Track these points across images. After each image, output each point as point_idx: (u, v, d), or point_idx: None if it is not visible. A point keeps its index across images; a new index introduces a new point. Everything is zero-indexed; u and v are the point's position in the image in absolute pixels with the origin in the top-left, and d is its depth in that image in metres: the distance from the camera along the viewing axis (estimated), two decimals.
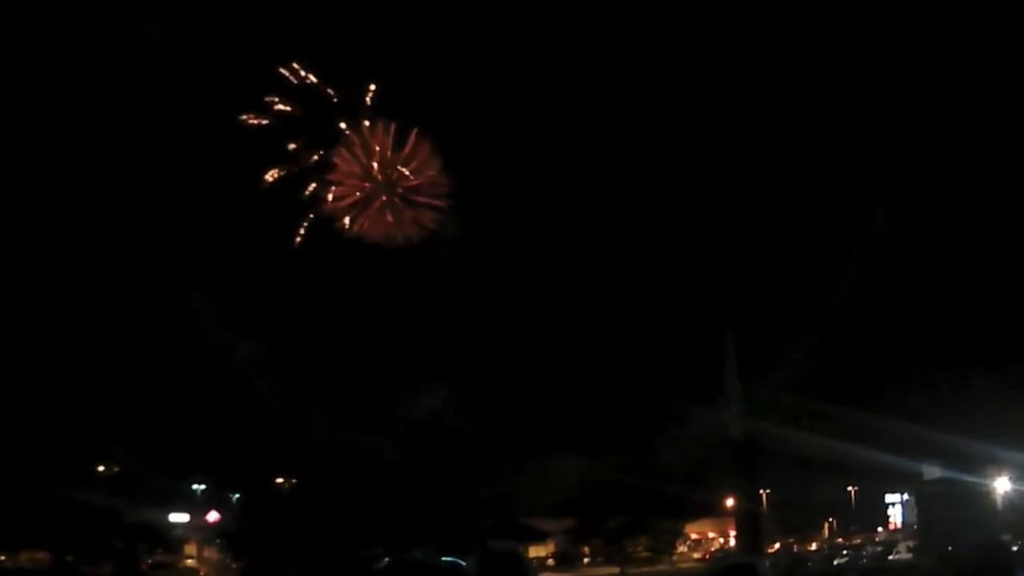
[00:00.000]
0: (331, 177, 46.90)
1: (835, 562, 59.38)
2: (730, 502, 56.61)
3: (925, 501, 63.09)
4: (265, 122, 42.80)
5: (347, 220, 46.76)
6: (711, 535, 71.10)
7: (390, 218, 47.96)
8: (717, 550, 65.10)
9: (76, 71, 40.97)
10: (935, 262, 47.80)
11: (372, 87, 45.12)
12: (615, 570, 58.93)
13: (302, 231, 44.32)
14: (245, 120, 42.38)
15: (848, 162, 43.95)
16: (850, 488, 71.81)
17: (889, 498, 73.67)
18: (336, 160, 47.33)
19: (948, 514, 55.02)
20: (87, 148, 42.43)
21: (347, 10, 41.94)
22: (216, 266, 44.30)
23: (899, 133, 40.07)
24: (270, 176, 42.92)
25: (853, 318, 45.51)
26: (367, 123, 46.86)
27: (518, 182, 43.59)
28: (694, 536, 70.43)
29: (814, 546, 73.17)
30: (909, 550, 58.90)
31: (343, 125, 46.99)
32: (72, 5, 40.20)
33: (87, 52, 40.32)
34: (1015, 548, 51.38)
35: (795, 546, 71.76)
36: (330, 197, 46.20)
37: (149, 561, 52.21)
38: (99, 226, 44.74)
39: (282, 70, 42.78)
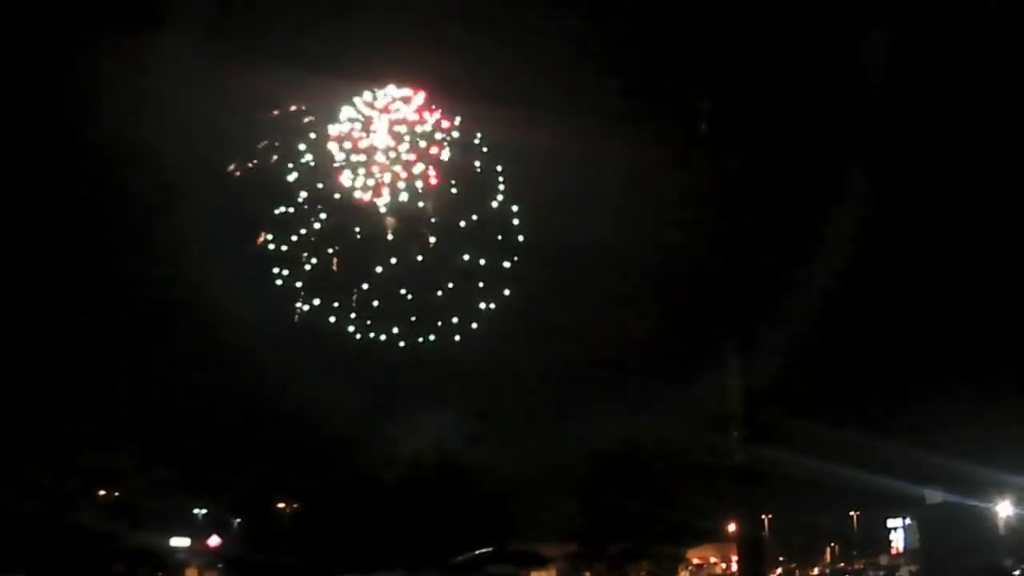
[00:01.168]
0: None
1: None
2: (732, 527, 56.49)
3: (927, 526, 62.97)
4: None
5: None
6: (713, 560, 70.83)
7: None
8: None
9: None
10: (938, 288, 48.02)
11: None
12: None
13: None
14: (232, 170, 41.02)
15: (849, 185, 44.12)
16: (852, 513, 71.66)
17: (891, 523, 73.40)
18: None
19: (950, 538, 54.92)
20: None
21: None
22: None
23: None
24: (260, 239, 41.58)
25: (856, 343, 45.67)
26: None
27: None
28: (696, 561, 70.11)
29: (816, 571, 72.92)
30: (912, 574, 58.71)
31: None
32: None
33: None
34: (1017, 572, 51.29)
35: (797, 571, 71.50)
36: None
37: None
38: (109, 259, 45.22)
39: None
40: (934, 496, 60.42)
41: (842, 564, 74.44)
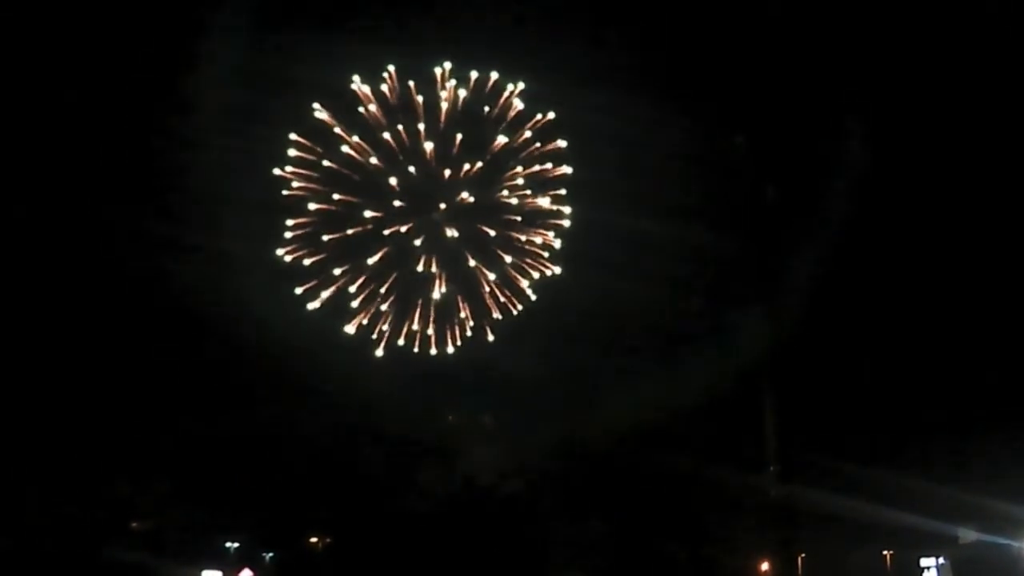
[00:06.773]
0: None
1: None
2: (765, 566, 55.98)
3: (961, 565, 62.20)
4: None
5: None
6: None
7: None
8: None
9: None
10: (969, 321, 47.71)
11: None
12: None
13: None
14: None
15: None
16: (885, 552, 70.67)
17: (924, 562, 72.39)
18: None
19: None
20: None
21: None
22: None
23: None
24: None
25: (890, 381, 45.41)
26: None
27: None
28: None
29: None
30: None
31: None
32: None
33: None
34: None
35: None
36: None
37: None
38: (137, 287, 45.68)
39: None
40: (968, 535, 59.70)
41: None
